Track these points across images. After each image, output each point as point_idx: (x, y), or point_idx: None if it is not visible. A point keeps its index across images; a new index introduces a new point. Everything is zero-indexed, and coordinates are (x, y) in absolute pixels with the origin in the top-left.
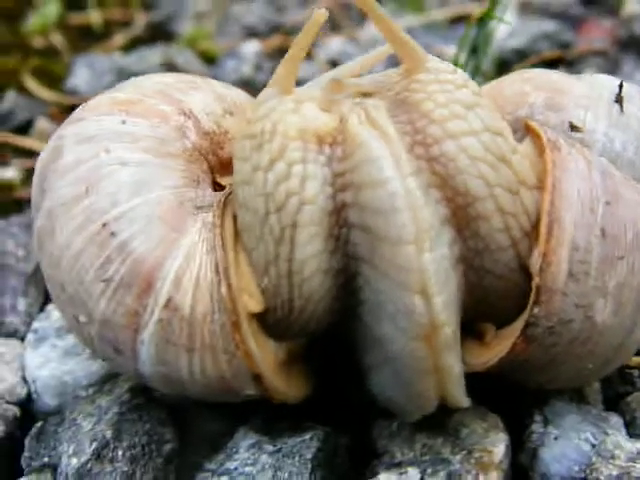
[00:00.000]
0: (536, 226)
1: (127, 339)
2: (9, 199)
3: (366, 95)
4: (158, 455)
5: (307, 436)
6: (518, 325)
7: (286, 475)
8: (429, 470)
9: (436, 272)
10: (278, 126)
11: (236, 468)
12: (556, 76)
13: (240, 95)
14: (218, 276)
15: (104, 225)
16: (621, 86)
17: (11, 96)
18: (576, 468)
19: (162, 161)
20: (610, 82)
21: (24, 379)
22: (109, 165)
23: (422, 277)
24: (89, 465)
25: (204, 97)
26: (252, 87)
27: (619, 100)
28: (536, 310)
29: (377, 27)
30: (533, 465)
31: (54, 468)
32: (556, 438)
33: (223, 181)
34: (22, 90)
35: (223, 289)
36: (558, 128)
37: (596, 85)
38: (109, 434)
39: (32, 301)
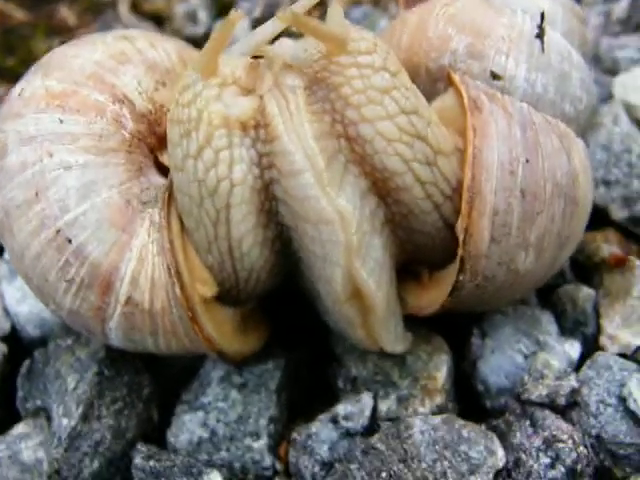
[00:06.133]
0: (457, 189)
1: (96, 325)
2: None
3: (287, 68)
4: (139, 401)
5: (270, 365)
6: (447, 282)
7: (255, 409)
8: (381, 393)
9: (358, 248)
10: (203, 114)
11: (210, 403)
12: (479, 14)
13: (172, 52)
14: (171, 278)
15: (58, 231)
16: (542, 17)
17: None
18: (510, 380)
19: (104, 159)
20: (534, 7)
21: (6, 311)
22: (54, 170)
23: (347, 252)
24: (79, 427)
25: (136, 72)
26: None
27: (540, 35)
28: (461, 277)
29: (295, 27)
30: (474, 374)
31: (47, 414)
32: (492, 351)
33: (165, 159)
34: None
35: (177, 290)
36: (480, 77)
37: (518, 18)
38: (92, 395)
39: None
